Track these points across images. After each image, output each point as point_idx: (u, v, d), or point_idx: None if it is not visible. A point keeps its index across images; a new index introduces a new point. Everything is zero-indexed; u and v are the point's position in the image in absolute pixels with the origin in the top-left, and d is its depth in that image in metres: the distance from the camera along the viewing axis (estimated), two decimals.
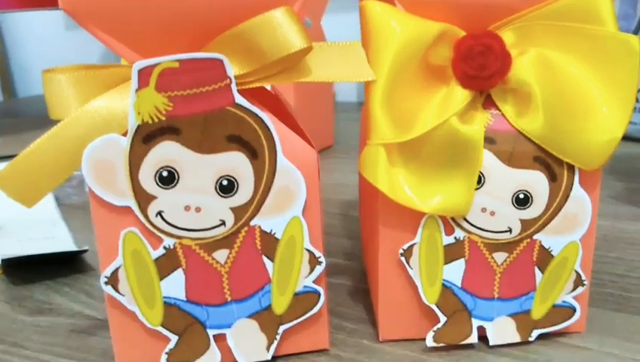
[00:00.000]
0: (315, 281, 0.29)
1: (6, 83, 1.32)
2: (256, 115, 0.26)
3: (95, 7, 0.25)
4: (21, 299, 0.38)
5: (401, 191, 0.28)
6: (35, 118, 0.99)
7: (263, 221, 0.27)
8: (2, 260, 0.39)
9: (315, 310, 0.29)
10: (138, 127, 0.25)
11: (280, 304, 0.29)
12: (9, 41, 1.33)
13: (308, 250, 0.28)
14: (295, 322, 0.29)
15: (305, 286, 0.29)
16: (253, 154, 0.26)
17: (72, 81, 0.26)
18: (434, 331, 0.30)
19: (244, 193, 0.27)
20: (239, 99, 0.26)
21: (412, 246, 0.29)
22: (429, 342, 0.29)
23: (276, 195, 0.27)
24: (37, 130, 0.94)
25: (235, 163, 0.26)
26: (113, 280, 0.27)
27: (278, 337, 0.29)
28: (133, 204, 0.26)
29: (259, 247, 0.28)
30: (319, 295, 0.29)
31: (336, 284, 0.37)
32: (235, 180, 0.27)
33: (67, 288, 0.39)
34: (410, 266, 0.29)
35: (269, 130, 0.26)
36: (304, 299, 0.29)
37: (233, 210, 0.27)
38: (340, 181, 0.59)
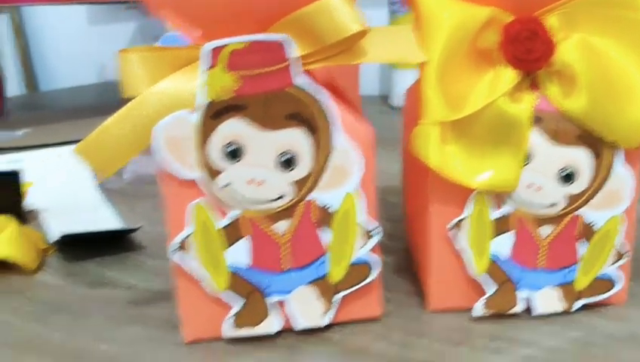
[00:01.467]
0: (369, 252, 0.30)
1: (28, 76, 1.34)
2: (316, 94, 0.28)
3: None
4: (76, 275, 0.39)
5: (452, 168, 0.29)
6: (58, 111, 1.01)
7: (320, 195, 0.29)
8: (61, 236, 0.41)
9: (369, 279, 0.31)
10: (208, 104, 0.27)
11: (336, 273, 0.30)
12: (31, 35, 1.35)
13: (362, 223, 0.30)
14: (350, 290, 0.31)
15: (359, 257, 0.30)
16: (312, 130, 0.28)
17: (142, 61, 0.28)
18: (482, 301, 0.31)
19: (303, 168, 0.28)
20: (300, 79, 0.27)
21: (461, 220, 0.31)
22: (477, 311, 0.31)
23: (333, 171, 0.29)
24: (61, 122, 0.95)
25: (295, 139, 0.28)
26: (183, 248, 0.29)
27: (334, 304, 0.30)
28: (201, 177, 0.28)
29: (315, 220, 0.29)
30: (373, 265, 0.30)
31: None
32: (295, 156, 0.28)
33: (120, 264, 0.40)
34: (459, 240, 0.31)
35: (327, 108, 0.28)
36: (359, 269, 0.30)
37: (292, 184, 0.29)
38: None
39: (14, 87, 1.16)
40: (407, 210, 0.39)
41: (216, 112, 0.27)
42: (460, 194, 0.30)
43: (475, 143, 0.30)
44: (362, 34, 0.27)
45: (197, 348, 0.30)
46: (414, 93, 0.35)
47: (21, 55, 1.33)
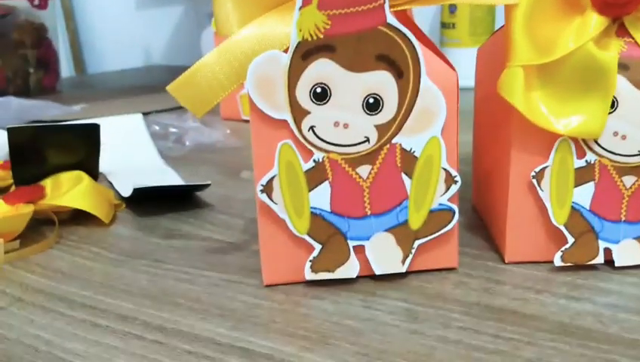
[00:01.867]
0: (449, 200, 0.30)
1: (77, 58, 1.37)
2: (406, 36, 0.28)
3: None
4: (150, 228, 0.40)
5: (538, 112, 0.29)
6: (107, 90, 1.03)
7: (404, 139, 0.29)
8: (134, 190, 0.42)
9: (449, 227, 0.30)
10: (298, 43, 0.27)
11: (416, 220, 0.30)
12: (80, 19, 1.38)
13: (445, 169, 0.30)
14: (429, 238, 0.30)
15: (440, 204, 0.30)
16: (399, 73, 0.28)
17: (235, 1, 0.29)
18: (562, 251, 0.31)
19: (388, 111, 0.29)
20: (391, 19, 0.27)
21: (544, 169, 0.30)
22: (557, 261, 0.31)
23: (418, 115, 0.29)
24: (113, 100, 0.98)
25: (382, 82, 0.28)
26: (268, 188, 0.29)
27: (412, 251, 0.30)
28: (289, 117, 0.28)
29: (399, 165, 0.29)
30: (453, 213, 0.30)
31: None
32: (381, 99, 0.28)
33: (192, 219, 0.41)
34: (541, 188, 0.31)
35: (415, 51, 0.28)
36: (439, 216, 0.30)
37: (377, 127, 0.29)
38: None
39: (64, 69, 1.18)
40: (480, 165, 0.39)
41: (306, 52, 0.27)
42: (543, 142, 0.30)
43: (560, 89, 0.29)
44: None
45: (276, 290, 0.30)
46: (492, 48, 0.35)
47: (70, 37, 1.35)
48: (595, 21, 0.29)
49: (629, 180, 0.31)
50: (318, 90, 0.28)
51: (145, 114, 0.68)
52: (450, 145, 0.29)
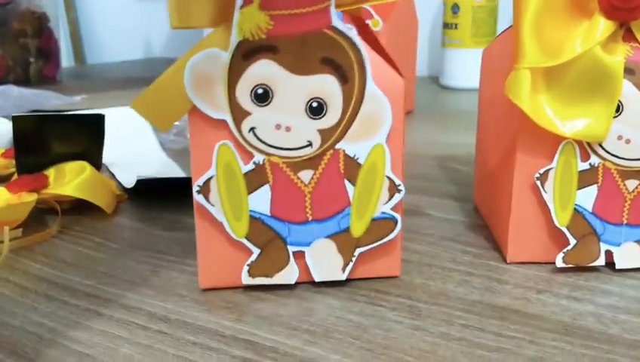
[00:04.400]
0: (393, 208, 0.29)
1: (76, 48, 1.37)
2: (351, 40, 0.27)
3: None
4: (153, 219, 0.40)
5: (544, 115, 0.30)
6: (107, 81, 1.03)
7: (348, 145, 0.28)
8: (137, 180, 0.42)
9: (391, 236, 0.30)
10: (239, 43, 0.26)
11: (358, 227, 0.30)
12: (80, 10, 1.37)
13: (389, 178, 0.29)
14: (371, 246, 0.30)
15: (383, 213, 0.29)
16: (344, 78, 0.27)
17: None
18: (563, 253, 0.31)
19: (332, 116, 0.28)
20: (336, 22, 0.26)
21: (548, 171, 0.31)
22: (559, 262, 0.31)
23: (362, 121, 0.28)
24: (113, 91, 0.98)
25: (326, 85, 0.27)
26: (205, 189, 0.28)
27: (353, 259, 0.30)
28: (228, 117, 0.27)
29: (342, 171, 0.29)
30: (396, 222, 0.30)
31: (452, 220, 0.39)
32: (325, 103, 0.28)
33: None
34: (544, 190, 0.31)
35: (361, 55, 0.27)
36: (381, 225, 0.30)
37: (321, 132, 0.28)
38: (429, 140, 0.62)
39: (63, 59, 1.18)
40: (483, 166, 0.39)
41: (247, 52, 0.26)
42: (548, 144, 0.30)
43: (566, 92, 0.30)
44: None
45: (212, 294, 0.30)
46: (498, 49, 0.35)
47: (71, 27, 1.35)
48: (602, 25, 0.29)
49: (631, 184, 0.31)
50: (260, 91, 0.27)
51: None
52: (395, 152, 0.29)
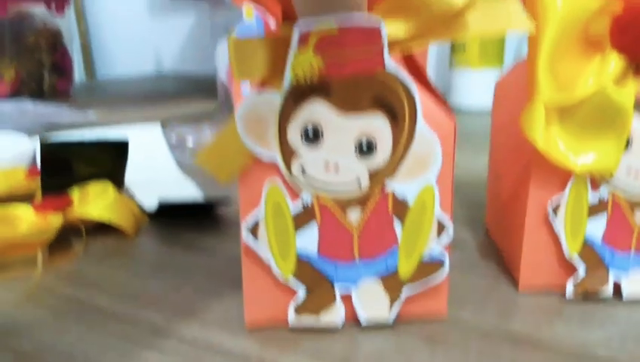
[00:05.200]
0: (441, 250, 0.30)
1: (87, 62, 1.38)
2: (403, 81, 0.27)
3: None
4: (173, 241, 0.42)
5: (556, 149, 0.31)
6: (120, 96, 1.05)
7: (397, 185, 0.28)
8: (159, 204, 0.43)
9: (439, 278, 0.30)
10: (292, 84, 0.27)
11: (405, 268, 0.30)
12: (92, 23, 1.39)
13: (437, 218, 0.29)
14: (418, 287, 0.30)
15: (431, 254, 0.30)
16: (394, 118, 0.28)
17: (252, 48, 0.27)
18: (573, 281, 0.32)
19: (381, 155, 0.28)
20: (389, 65, 0.27)
21: (559, 201, 0.32)
22: (569, 290, 0.32)
23: (412, 161, 0.28)
24: (124, 107, 1.00)
25: (376, 125, 0.28)
26: (254, 229, 0.29)
27: (400, 301, 0.30)
28: (278, 157, 0.28)
29: (390, 211, 0.29)
30: (443, 263, 0.30)
31: (464, 245, 0.40)
32: (375, 142, 0.28)
33: (213, 232, 0.43)
34: (556, 220, 0.32)
35: (412, 96, 0.27)
36: (429, 266, 0.30)
37: (370, 171, 0.28)
38: None
39: (75, 73, 1.20)
40: (496, 193, 0.40)
41: (300, 93, 0.27)
42: (560, 175, 0.32)
43: (578, 126, 0.31)
44: (465, 10, 0.26)
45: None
46: (512, 80, 0.36)
47: (82, 41, 1.37)
48: (614, 62, 0.30)
49: None
50: (310, 130, 0.27)
51: (162, 120, 0.69)
52: (444, 193, 0.29)
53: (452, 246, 0.40)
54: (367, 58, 0.26)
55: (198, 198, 0.48)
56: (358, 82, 0.27)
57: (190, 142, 0.63)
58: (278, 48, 0.27)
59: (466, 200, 0.50)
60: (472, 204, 0.49)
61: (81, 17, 1.36)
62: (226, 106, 0.81)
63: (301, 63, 0.26)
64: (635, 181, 0.31)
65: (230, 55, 0.27)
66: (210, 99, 0.94)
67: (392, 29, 0.27)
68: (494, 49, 0.88)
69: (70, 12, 1.13)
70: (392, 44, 0.27)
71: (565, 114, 0.31)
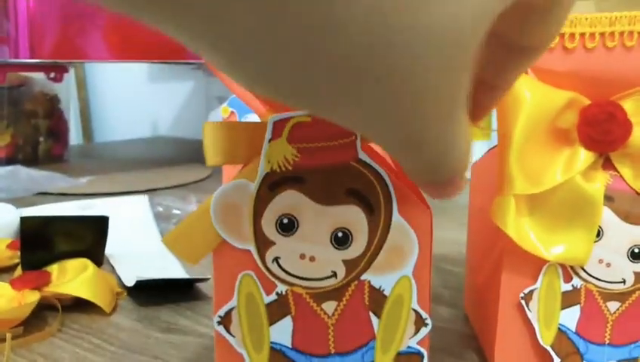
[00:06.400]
0: (418, 343, 0.29)
1: (86, 127, 1.40)
2: (377, 172, 0.27)
3: None
4: (150, 319, 0.41)
5: (528, 239, 0.31)
6: (114, 161, 1.06)
7: (373, 276, 0.28)
8: (136, 281, 0.43)
9: None
10: (266, 174, 0.27)
11: None
12: (92, 88, 1.42)
13: (415, 310, 0.28)
14: None
15: (409, 347, 0.29)
16: (369, 209, 0.27)
17: (223, 134, 0.28)
18: None
19: (357, 247, 0.27)
20: (362, 155, 0.27)
21: (532, 291, 0.32)
22: None
23: (388, 252, 0.28)
24: (118, 172, 1.00)
25: (352, 216, 0.27)
26: (226, 320, 0.28)
27: None
28: (253, 248, 0.27)
29: (367, 303, 0.28)
30: (422, 357, 0.29)
31: (444, 328, 0.40)
32: (350, 233, 0.27)
33: (189, 312, 0.42)
34: (529, 309, 0.32)
35: (387, 187, 0.27)
36: (407, 360, 0.29)
37: (345, 262, 0.28)
38: None
39: (72, 136, 1.21)
40: (472, 279, 0.40)
41: (274, 183, 0.27)
42: (532, 265, 0.32)
43: (550, 217, 0.31)
44: None
45: None
46: (487, 164, 0.37)
47: (81, 106, 1.39)
48: (582, 155, 0.31)
49: (613, 305, 0.32)
50: (285, 221, 0.27)
51: (150, 190, 0.69)
52: (421, 285, 0.28)
53: (432, 331, 0.39)
54: (340, 149, 0.27)
55: (177, 275, 0.48)
56: (332, 173, 0.27)
57: (176, 213, 0.63)
58: (252, 136, 0.27)
59: (448, 281, 0.49)
60: (453, 285, 0.48)
61: (82, 84, 1.39)
62: (217, 173, 0.81)
63: (275, 153, 0.26)
64: (607, 271, 0.32)
65: (204, 139, 0.28)
66: (203, 164, 0.94)
67: None
68: (485, 120, 0.89)
69: (70, 76, 1.15)
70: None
71: (536, 205, 0.31)
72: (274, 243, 0.27)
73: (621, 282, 0.32)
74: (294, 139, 0.26)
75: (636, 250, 0.31)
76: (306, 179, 0.27)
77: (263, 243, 0.27)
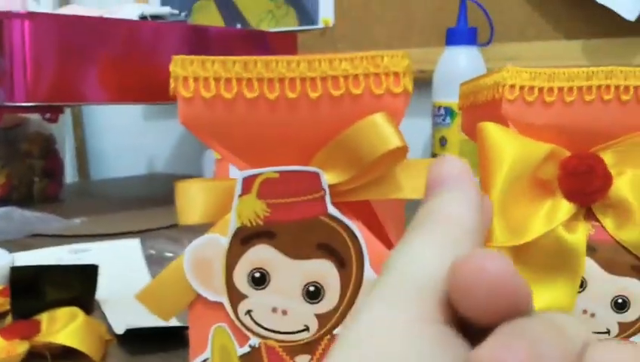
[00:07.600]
0: None
1: (82, 165, 1.40)
2: (347, 226, 0.28)
3: (211, 123, 0.28)
4: None
5: None
6: (110, 200, 1.06)
7: None
8: (126, 330, 0.43)
9: None
10: (237, 229, 0.28)
11: None
12: (88, 129, 1.43)
13: None
14: None
15: None
16: (341, 263, 0.28)
17: (198, 192, 0.29)
18: None
19: (329, 301, 0.28)
20: (332, 210, 0.28)
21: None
22: None
23: None
24: (113, 213, 0.99)
25: (323, 270, 0.28)
26: None
27: None
28: (225, 300, 0.28)
29: None
30: None
31: None
32: (322, 287, 0.28)
33: (179, 359, 0.42)
34: None
35: (358, 241, 0.28)
36: None
37: (318, 316, 0.28)
38: None
39: (68, 174, 1.22)
40: None
41: (246, 238, 0.28)
42: None
43: (533, 267, 0.31)
44: (402, 151, 0.27)
45: None
46: None
47: (77, 145, 1.40)
48: (565, 206, 0.31)
49: None
50: (257, 274, 0.28)
51: (144, 231, 0.70)
52: None
53: None
54: (310, 204, 0.27)
55: (166, 324, 0.48)
56: (302, 227, 0.27)
57: (168, 255, 0.63)
58: (224, 193, 0.28)
59: None
60: None
61: (78, 122, 1.40)
62: None
63: (245, 208, 0.27)
64: (591, 322, 0.32)
65: (176, 200, 0.29)
66: None
67: (331, 176, 0.27)
68: (474, 159, 0.90)
69: (66, 115, 1.16)
70: (335, 191, 0.28)
71: (518, 256, 0.31)
72: (246, 297, 0.28)
73: (606, 332, 0.32)
74: (264, 195, 0.27)
75: (620, 301, 0.31)
76: (277, 233, 0.27)
77: (235, 296, 0.28)
